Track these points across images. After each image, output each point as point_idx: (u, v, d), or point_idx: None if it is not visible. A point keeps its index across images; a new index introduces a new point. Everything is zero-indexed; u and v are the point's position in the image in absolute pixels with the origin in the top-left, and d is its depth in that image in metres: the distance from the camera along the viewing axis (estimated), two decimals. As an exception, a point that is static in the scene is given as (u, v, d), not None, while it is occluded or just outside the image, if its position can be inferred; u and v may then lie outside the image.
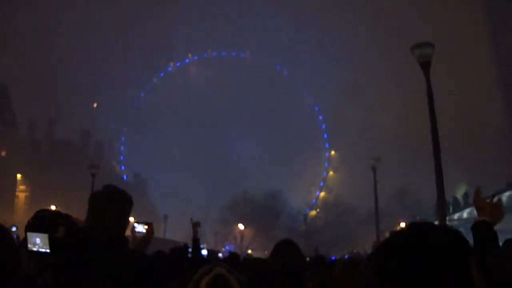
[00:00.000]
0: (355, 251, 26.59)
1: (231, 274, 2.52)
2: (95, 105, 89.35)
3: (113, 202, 3.46)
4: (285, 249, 5.08)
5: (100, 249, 3.17)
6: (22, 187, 75.30)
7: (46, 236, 2.92)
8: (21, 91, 73.00)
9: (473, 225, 3.36)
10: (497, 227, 3.26)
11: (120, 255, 3.26)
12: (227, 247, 63.42)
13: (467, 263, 1.75)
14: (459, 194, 60.94)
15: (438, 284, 1.72)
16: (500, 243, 4.06)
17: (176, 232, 62.71)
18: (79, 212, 3.80)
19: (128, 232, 3.62)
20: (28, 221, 3.04)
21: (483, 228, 3.21)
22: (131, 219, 3.69)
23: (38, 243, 2.93)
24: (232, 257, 9.16)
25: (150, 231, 3.84)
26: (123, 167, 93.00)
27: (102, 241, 3.23)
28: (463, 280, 1.73)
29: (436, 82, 14.06)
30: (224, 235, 70.81)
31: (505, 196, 31.70)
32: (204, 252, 9.29)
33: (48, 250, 2.93)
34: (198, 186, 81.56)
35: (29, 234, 2.96)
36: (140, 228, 3.79)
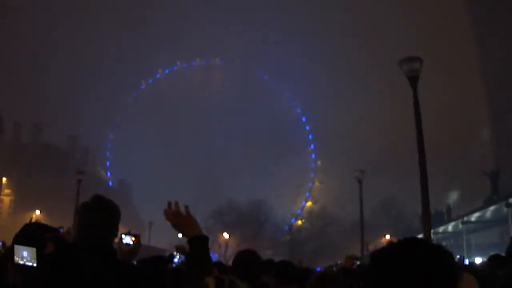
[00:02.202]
0: (339, 262, 26.44)
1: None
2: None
3: (101, 214, 3.41)
4: (245, 259, 5.07)
5: (89, 261, 3.15)
6: (7, 190, 74.69)
7: (34, 249, 2.89)
8: (7, 95, 72.40)
9: None
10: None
11: (109, 267, 3.24)
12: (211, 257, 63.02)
13: (455, 279, 1.77)
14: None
15: None
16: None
17: (161, 239, 62.31)
18: (63, 216, 3.77)
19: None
20: (16, 234, 3.01)
21: None
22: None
23: (26, 256, 2.90)
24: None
25: (137, 242, 3.82)
26: (109, 173, 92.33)
27: (91, 253, 3.20)
28: None
29: (424, 95, 14.09)
30: (209, 244, 70.52)
31: (489, 211, 31.98)
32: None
33: (34, 264, 2.89)
34: (183, 194, 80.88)
35: (16, 247, 2.93)
36: (128, 240, 3.76)
